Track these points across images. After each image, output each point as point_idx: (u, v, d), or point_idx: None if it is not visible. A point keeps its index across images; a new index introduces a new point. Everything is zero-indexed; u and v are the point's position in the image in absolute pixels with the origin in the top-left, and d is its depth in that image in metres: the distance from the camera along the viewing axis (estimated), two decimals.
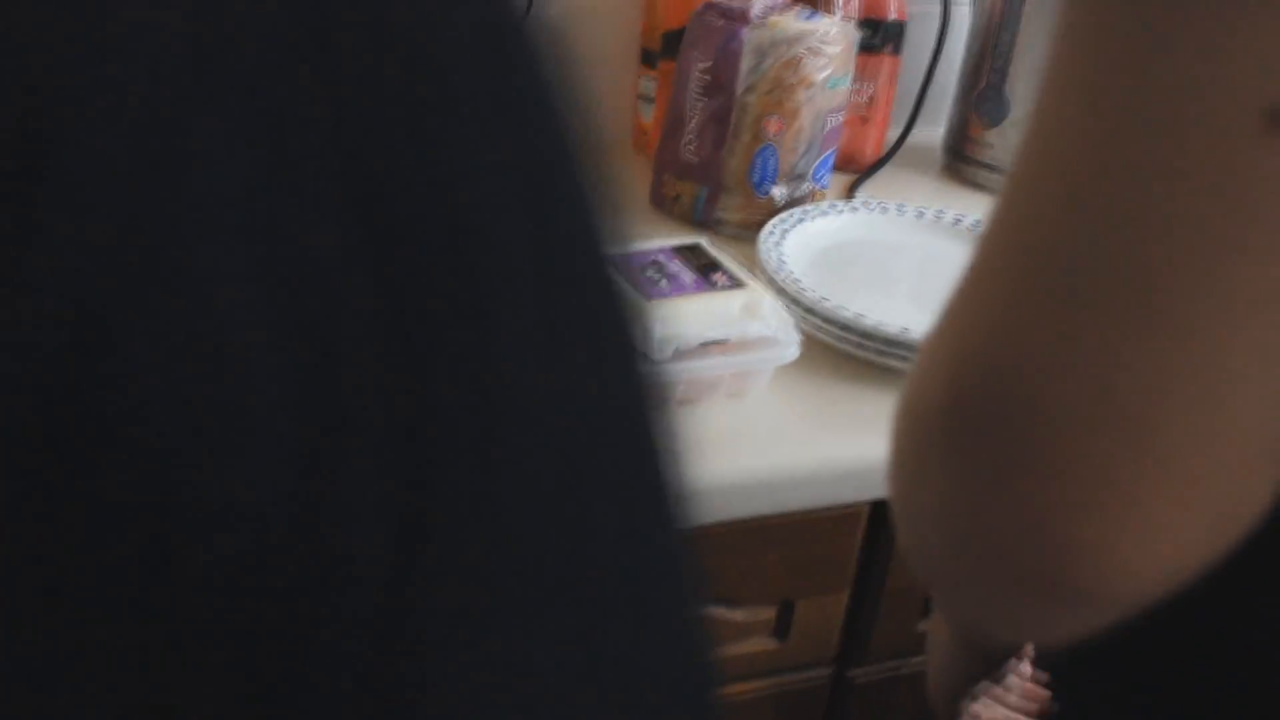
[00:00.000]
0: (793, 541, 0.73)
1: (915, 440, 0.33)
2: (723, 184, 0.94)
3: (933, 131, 1.14)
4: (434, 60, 0.17)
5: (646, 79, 1.09)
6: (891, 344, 0.75)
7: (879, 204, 0.95)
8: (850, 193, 1.04)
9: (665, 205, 0.98)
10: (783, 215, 0.90)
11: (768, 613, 0.76)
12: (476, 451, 0.17)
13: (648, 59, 1.08)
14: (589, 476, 0.19)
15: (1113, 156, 0.27)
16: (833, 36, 0.90)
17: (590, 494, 0.19)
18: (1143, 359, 0.27)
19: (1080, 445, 0.28)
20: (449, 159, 0.16)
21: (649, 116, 1.09)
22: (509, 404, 0.17)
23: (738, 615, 0.75)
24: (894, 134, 1.09)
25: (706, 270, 0.77)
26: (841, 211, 0.93)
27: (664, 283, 0.75)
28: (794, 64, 0.89)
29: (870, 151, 1.10)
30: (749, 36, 0.89)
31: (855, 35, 0.94)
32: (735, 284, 0.76)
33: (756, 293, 0.75)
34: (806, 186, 0.94)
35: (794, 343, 0.73)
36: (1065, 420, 0.28)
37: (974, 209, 0.99)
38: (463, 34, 0.17)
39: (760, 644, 0.77)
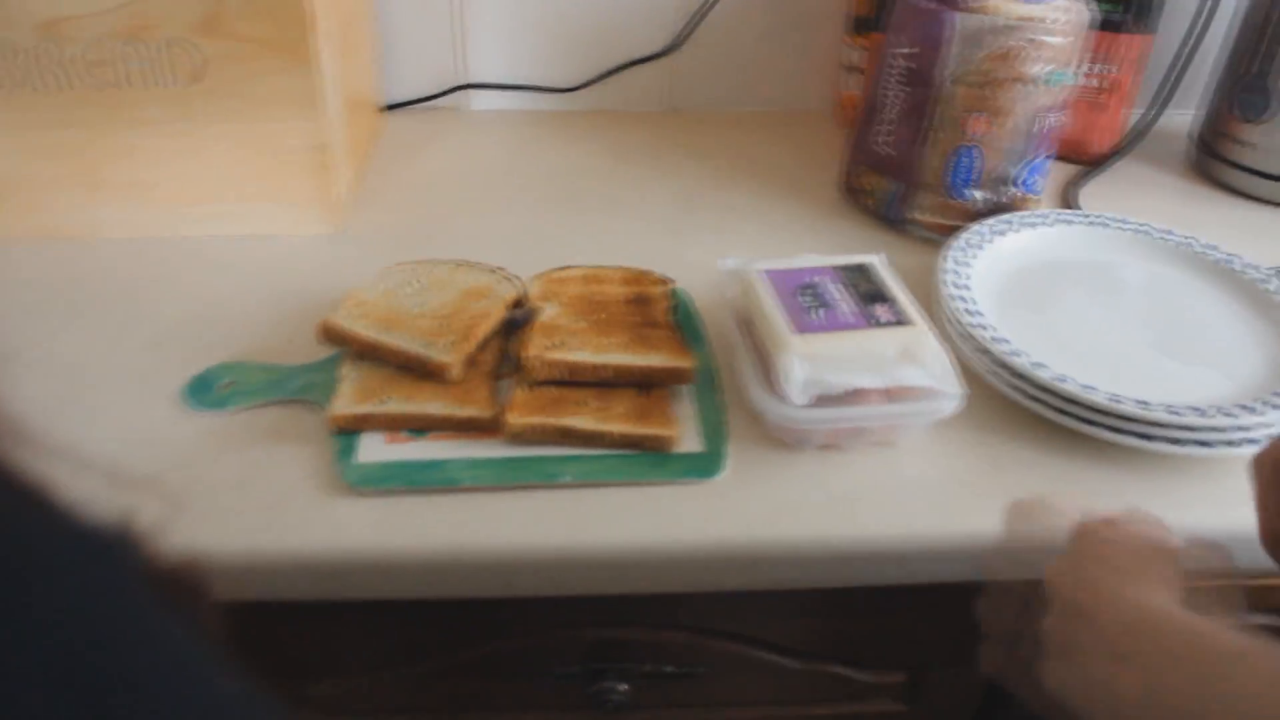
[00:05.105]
0: (929, 611, 0.67)
1: None
2: (917, 182, 0.85)
3: (1181, 119, 0.99)
4: None
5: (853, 48, 1.00)
6: (1070, 402, 0.66)
7: (1097, 217, 0.83)
8: (1068, 193, 0.92)
9: (855, 197, 0.91)
10: (979, 226, 0.81)
11: (897, 677, 0.71)
12: None
13: (858, 26, 0.99)
14: None
15: None
16: (1059, 25, 0.79)
17: None
18: None
19: None
20: None
21: (852, 89, 1.01)
22: None
23: (865, 676, 0.70)
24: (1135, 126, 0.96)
25: (869, 300, 0.70)
26: (1051, 223, 0.82)
27: (818, 313, 0.69)
28: (1007, 56, 0.79)
29: (1103, 142, 0.97)
30: (958, 23, 0.79)
31: (1088, 18, 0.81)
32: (899, 320, 0.69)
33: (920, 333, 0.68)
34: (1012, 192, 0.84)
35: (954, 396, 0.65)
36: None
37: (1218, 225, 0.86)
38: None
39: (886, 706, 0.72)
